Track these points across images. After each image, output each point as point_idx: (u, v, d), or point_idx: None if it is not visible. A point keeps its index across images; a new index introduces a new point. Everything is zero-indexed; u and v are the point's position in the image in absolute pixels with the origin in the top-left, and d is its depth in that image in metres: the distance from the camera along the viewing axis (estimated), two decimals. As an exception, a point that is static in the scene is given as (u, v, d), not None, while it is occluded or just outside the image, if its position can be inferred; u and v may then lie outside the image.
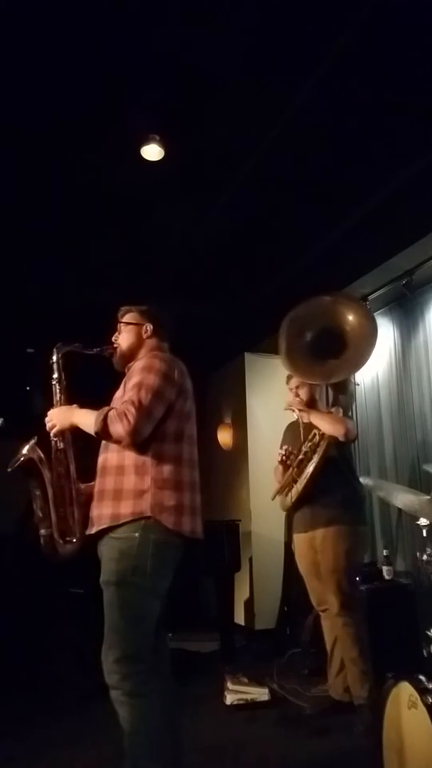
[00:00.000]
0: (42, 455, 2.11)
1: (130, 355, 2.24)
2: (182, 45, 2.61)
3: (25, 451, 2.08)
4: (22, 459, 2.07)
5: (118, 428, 1.92)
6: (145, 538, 1.91)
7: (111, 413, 1.95)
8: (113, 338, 2.30)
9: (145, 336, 2.26)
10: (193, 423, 2.17)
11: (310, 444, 3.05)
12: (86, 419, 2.03)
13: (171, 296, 4.69)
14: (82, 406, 2.14)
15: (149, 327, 2.26)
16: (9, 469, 2.07)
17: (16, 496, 2.13)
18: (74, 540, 2.09)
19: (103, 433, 1.96)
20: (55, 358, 2.22)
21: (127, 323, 2.29)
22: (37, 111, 2.90)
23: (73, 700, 3.34)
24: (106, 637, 1.90)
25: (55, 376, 2.22)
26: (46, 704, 3.40)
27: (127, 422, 1.91)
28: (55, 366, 2.23)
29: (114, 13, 2.43)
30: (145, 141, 3.13)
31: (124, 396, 2.02)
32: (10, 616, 4.00)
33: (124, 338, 2.27)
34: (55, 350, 2.23)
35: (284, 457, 3.15)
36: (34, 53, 2.60)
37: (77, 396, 2.22)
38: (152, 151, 3.19)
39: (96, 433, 1.97)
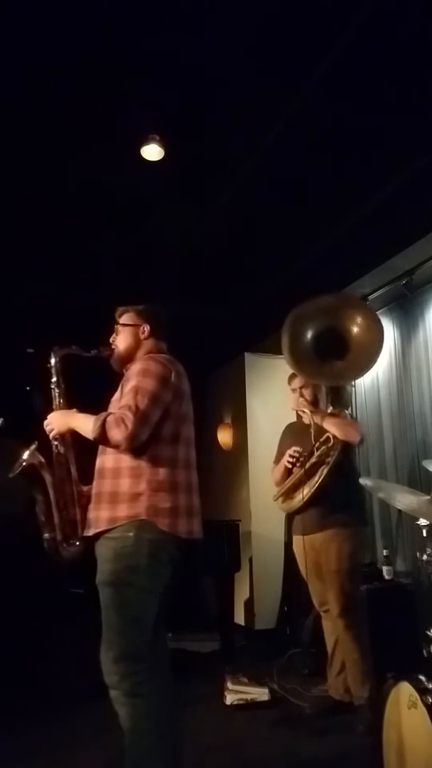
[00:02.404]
0: (43, 460, 2.12)
1: (128, 357, 2.24)
2: (182, 45, 2.61)
3: (25, 456, 2.09)
4: (23, 465, 2.08)
5: (115, 434, 1.93)
6: (140, 537, 1.92)
7: (109, 419, 1.95)
8: (111, 339, 2.30)
9: (142, 337, 2.25)
10: (190, 424, 2.17)
11: (324, 448, 3.01)
12: (85, 424, 2.03)
13: (171, 296, 4.72)
14: (82, 408, 2.14)
15: (146, 328, 2.25)
16: (10, 475, 2.08)
17: (16, 495, 2.13)
18: (77, 543, 2.10)
19: (101, 438, 1.96)
20: (52, 361, 2.23)
21: (125, 324, 2.29)
22: (37, 111, 2.90)
23: (73, 700, 3.34)
24: (105, 638, 1.90)
25: (54, 379, 2.22)
26: (46, 704, 3.40)
27: (125, 427, 1.91)
28: (53, 369, 2.23)
29: (114, 13, 2.43)
30: (145, 141, 3.13)
31: (121, 400, 2.02)
32: (10, 616, 4.00)
33: (121, 339, 2.27)
34: (52, 353, 2.23)
35: (295, 460, 3.11)
36: (34, 53, 2.60)
37: (77, 397, 2.21)
38: (152, 151, 3.18)
39: (94, 438, 1.99)
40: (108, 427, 1.94)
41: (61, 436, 2.14)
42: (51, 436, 2.13)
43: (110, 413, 1.99)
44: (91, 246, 4.12)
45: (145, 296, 2.35)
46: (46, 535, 2.09)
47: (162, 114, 2.99)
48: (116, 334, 2.29)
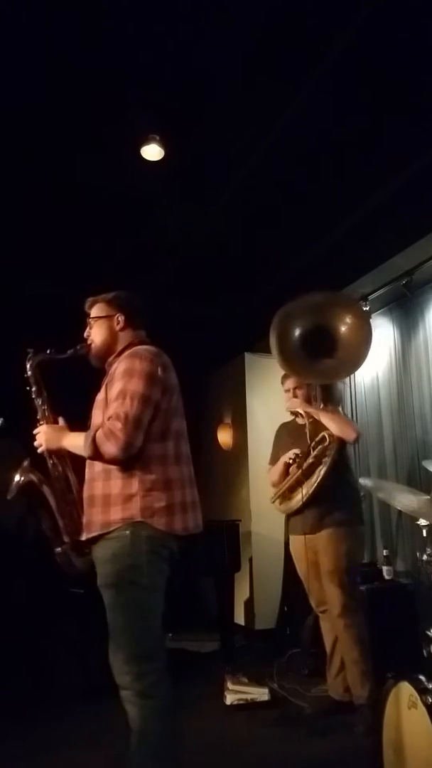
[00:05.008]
0: (39, 476, 2.06)
1: (107, 351, 2.14)
2: (182, 45, 2.61)
3: (19, 476, 2.04)
4: (20, 483, 2.03)
5: (109, 448, 1.86)
6: (137, 535, 1.87)
7: (98, 434, 1.88)
8: (85, 334, 2.18)
9: (117, 328, 2.14)
10: (181, 418, 2.08)
11: (320, 447, 3.00)
12: (76, 443, 1.96)
13: (171, 296, 4.72)
14: (68, 411, 2.09)
15: (120, 318, 2.14)
16: (8, 497, 2.04)
17: (16, 495, 2.11)
18: (89, 552, 2.02)
19: (96, 456, 1.90)
20: (29, 371, 2.13)
21: (97, 317, 2.16)
22: (37, 111, 2.90)
23: (73, 700, 3.34)
24: (112, 641, 1.87)
25: (34, 389, 2.14)
26: (47, 704, 3.40)
27: (116, 439, 1.84)
28: (31, 379, 2.13)
29: (114, 13, 2.44)
30: (145, 141, 3.13)
31: (108, 408, 1.94)
32: (10, 616, 4.00)
33: (96, 333, 2.15)
34: (27, 363, 2.13)
35: (294, 461, 3.09)
36: (34, 53, 2.60)
37: (62, 401, 2.16)
38: (152, 151, 3.19)
39: (89, 456, 1.93)
40: (100, 443, 1.87)
41: (53, 451, 2.07)
42: (40, 451, 2.07)
43: (98, 428, 1.90)
44: (91, 246, 4.12)
45: (114, 285, 2.23)
46: (58, 550, 2.04)
47: (162, 114, 2.99)
48: (90, 328, 2.18)
